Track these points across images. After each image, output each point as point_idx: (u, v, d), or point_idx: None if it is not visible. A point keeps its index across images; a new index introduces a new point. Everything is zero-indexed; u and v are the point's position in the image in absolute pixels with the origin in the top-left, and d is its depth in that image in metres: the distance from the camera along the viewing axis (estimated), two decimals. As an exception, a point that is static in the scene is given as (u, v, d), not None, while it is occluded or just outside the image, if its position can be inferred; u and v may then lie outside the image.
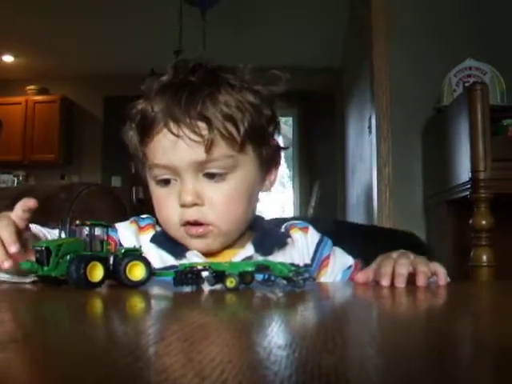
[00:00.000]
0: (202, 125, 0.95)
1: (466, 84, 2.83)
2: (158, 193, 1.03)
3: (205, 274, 0.79)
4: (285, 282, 0.78)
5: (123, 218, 1.15)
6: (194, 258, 1.01)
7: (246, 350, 0.36)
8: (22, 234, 0.87)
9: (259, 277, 0.82)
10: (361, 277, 0.95)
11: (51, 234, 1.00)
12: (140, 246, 0.85)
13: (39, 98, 7.77)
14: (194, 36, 5.30)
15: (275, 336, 0.44)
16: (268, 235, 1.09)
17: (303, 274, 0.78)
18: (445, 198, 2.81)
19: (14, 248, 0.81)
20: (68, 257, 0.78)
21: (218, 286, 0.78)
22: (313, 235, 1.15)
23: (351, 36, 5.62)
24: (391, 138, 3.41)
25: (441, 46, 3.35)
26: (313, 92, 6.61)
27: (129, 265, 0.79)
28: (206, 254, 1.03)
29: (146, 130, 1.00)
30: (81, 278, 0.75)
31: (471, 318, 0.62)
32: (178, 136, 0.96)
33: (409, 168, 3.36)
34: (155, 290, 0.82)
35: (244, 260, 1.01)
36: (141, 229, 1.09)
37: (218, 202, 0.99)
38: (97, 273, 0.77)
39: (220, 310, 0.64)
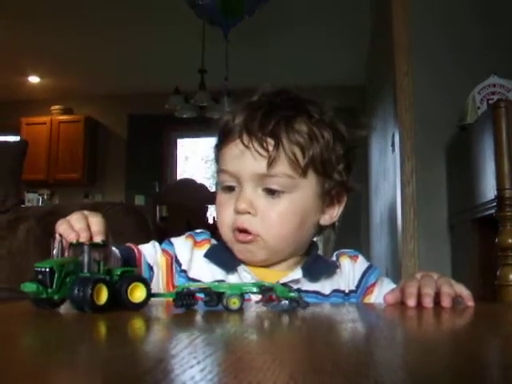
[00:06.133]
0: (270, 141, 1.01)
1: (490, 101, 2.81)
2: (221, 197, 1.09)
3: (204, 294, 0.79)
4: (287, 302, 0.80)
5: (148, 236, 1.17)
6: (243, 273, 1.06)
7: (281, 374, 0.37)
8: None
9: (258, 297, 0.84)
10: (389, 298, 0.95)
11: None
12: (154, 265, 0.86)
13: (64, 117, 7.89)
14: (216, 55, 5.35)
15: (308, 359, 0.44)
16: (318, 262, 1.12)
17: (302, 297, 0.81)
18: (470, 216, 2.78)
19: (98, 238, 0.85)
20: (68, 278, 0.75)
21: (218, 307, 0.78)
22: (361, 263, 1.17)
23: (374, 54, 5.63)
24: (415, 155, 3.40)
25: (464, 63, 3.34)
26: (335, 109, 6.62)
27: (130, 286, 0.77)
28: (256, 271, 1.06)
29: (224, 138, 1.07)
30: (88, 301, 0.72)
31: (500, 340, 0.61)
32: (247, 147, 1.01)
33: (433, 186, 3.34)
34: (163, 313, 0.81)
35: (291, 283, 1.04)
36: (196, 243, 1.13)
37: (269, 216, 1.03)
38: (102, 295, 0.74)
39: (245, 332, 0.64)
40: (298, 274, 1.07)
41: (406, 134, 3.45)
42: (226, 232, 1.07)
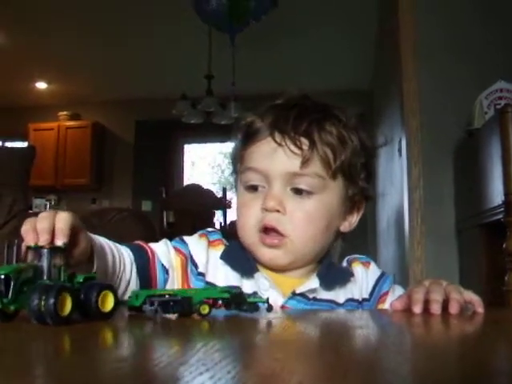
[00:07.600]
0: (304, 141, 1.00)
1: (498, 106, 2.81)
2: (244, 197, 1.06)
3: (173, 301, 0.77)
4: (255, 307, 0.81)
5: (154, 242, 1.13)
6: (261, 279, 1.03)
7: (291, 382, 0.37)
8: (79, 234, 0.82)
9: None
10: (397, 304, 0.94)
11: (119, 249, 0.97)
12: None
13: (71, 123, 7.91)
14: (223, 61, 5.35)
15: (316, 366, 0.44)
16: (332, 270, 1.10)
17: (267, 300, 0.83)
18: (477, 221, 2.77)
19: (59, 242, 0.75)
20: (26, 287, 0.67)
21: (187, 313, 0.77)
22: (374, 270, 1.15)
23: (380, 59, 5.63)
24: (422, 161, 3.39)
25: (471, 68, 3.34)
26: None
27: (100, 295, 0.70)
28: (275, 278, 1.04)
29: (251, 136, 1.05)
30: (51, 312, 0.63)
31: (509, 346, 0.61)
32: (279, 145, 1.00)
33: (440, 191, 3.33)
34: (160, 320, 0.75)
35: (307, 292, 1.03)
36: (211, 243, 1.09)
37: (298, 216, 1.01)
38: (66, 305, 0.66)
39: (253, 339, 0.64)
40: (315, 282, 1.04)
41: (412, 139, 3.44)
42: (249, 233, 1.04)
